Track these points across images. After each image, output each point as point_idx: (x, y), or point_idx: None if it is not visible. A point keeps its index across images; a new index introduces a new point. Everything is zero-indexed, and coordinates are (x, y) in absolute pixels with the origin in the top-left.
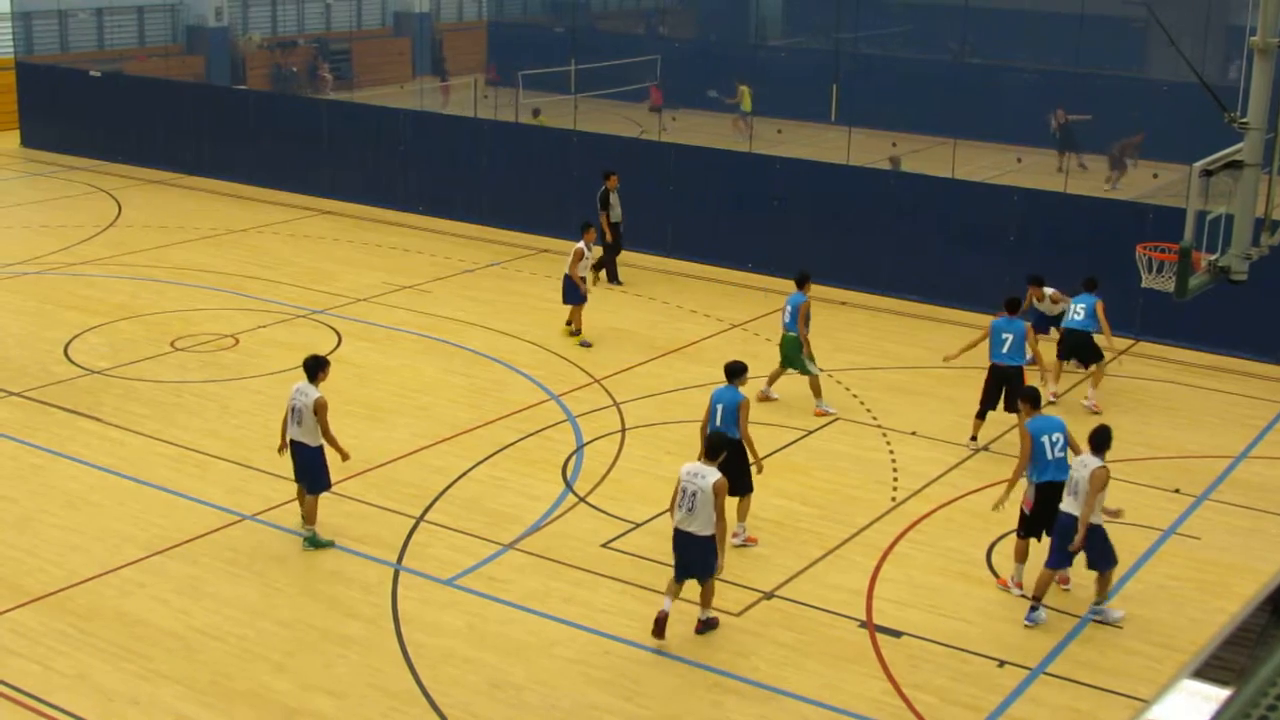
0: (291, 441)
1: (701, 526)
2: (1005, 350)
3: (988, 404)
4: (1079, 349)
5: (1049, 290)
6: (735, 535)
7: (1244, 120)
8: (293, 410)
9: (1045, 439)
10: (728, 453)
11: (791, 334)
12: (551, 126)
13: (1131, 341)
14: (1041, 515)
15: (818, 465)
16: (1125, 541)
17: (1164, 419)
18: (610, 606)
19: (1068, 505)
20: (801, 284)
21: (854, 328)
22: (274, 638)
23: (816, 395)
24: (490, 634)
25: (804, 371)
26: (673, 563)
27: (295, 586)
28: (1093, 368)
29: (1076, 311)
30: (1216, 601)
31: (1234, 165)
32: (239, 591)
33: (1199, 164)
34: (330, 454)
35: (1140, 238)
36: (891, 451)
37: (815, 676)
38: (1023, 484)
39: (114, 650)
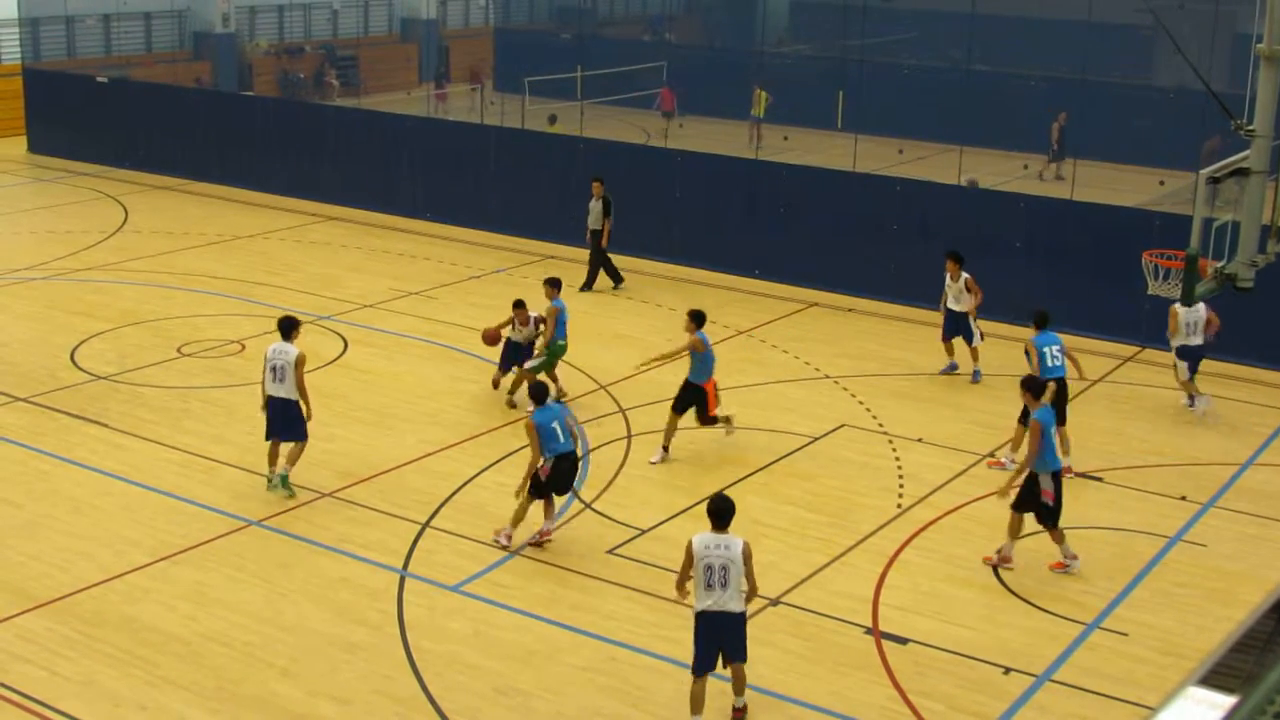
0: (271, 398)
1: (740, 602)
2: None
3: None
4: (1062, 401)
5: (966, 275)
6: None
7: (1251, 127)
8: (273, 369)
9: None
10: None
11: (561, 341)
12: (565, 134)
13: (1138, 348)
14: (1062, 503)
15: (824, 472)
16: (1132, 548)
17: (1170, 426)
18: (616, 613)
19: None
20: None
21: (860, 334)
22: (280, 643)
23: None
24: (496, 640)
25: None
26: (696, 653)
27: (301, 592)
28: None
29: (1055, 355)
30: (1223, 609)
31: (1241, 172)
32: (245, 597)
33: (1206, 171)
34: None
35: (1146, 245)
36: (898, 458)
37: (821, 683)
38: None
39: (120, 656)
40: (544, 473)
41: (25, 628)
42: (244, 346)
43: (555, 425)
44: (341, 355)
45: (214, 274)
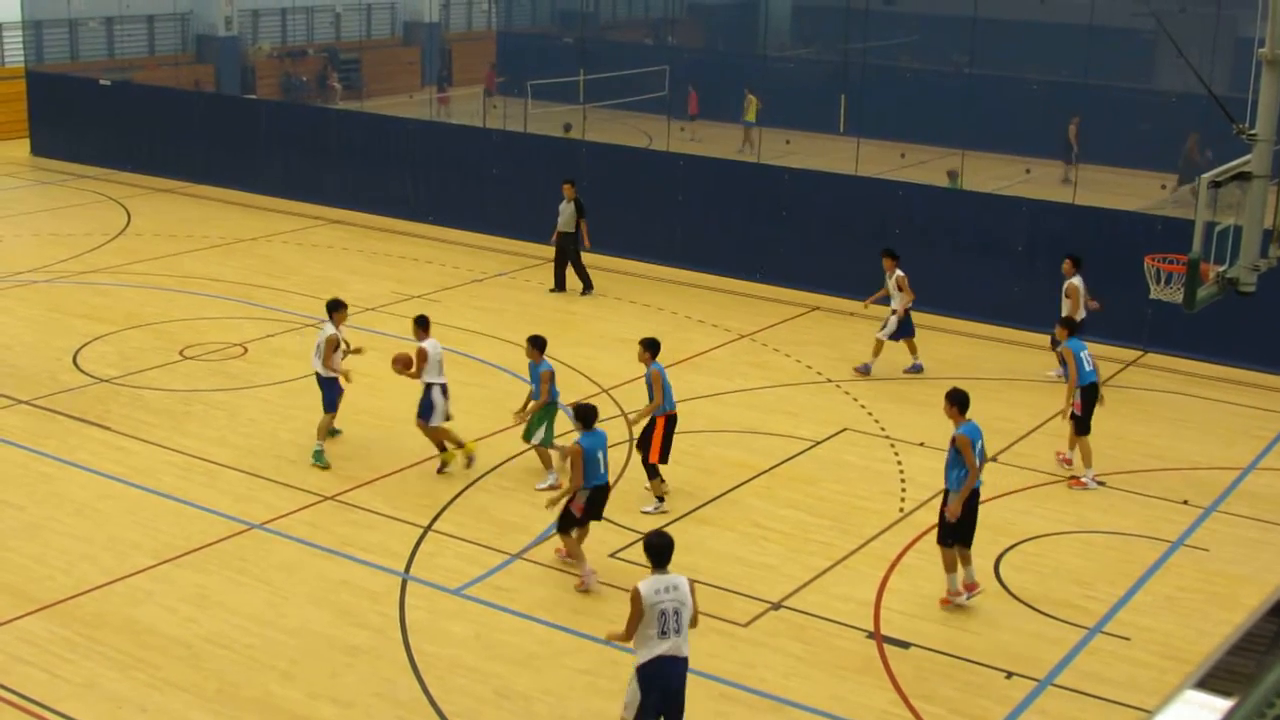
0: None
1: (688, 646)
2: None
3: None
4: (1091, 408)
5: (900, 273)
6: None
7: (1253, 132)
8: (316, 346)
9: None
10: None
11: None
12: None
13: (1140, 353)
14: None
15: (826, 476)
16: (1134, 552)
17: (1172, 430)
18: (618, 616)
19: None
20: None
21: (862, 339)
22: (281, 646)
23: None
24: (498, 644)
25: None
26: (646, 704)
27: (303, 595)
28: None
29: (1089, 360)
30: (1224, 613)
31: (1243, 176)
32: (246, 600)
33: (1208, 175)
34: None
35: (1148, 249)
36: (900, 462)
37: (822, 687)
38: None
39: (122, 658)
40: (578, 508)
41: (27, 630)
42: (246, 349)
43: (600, 454)
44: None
45: (216, 277)
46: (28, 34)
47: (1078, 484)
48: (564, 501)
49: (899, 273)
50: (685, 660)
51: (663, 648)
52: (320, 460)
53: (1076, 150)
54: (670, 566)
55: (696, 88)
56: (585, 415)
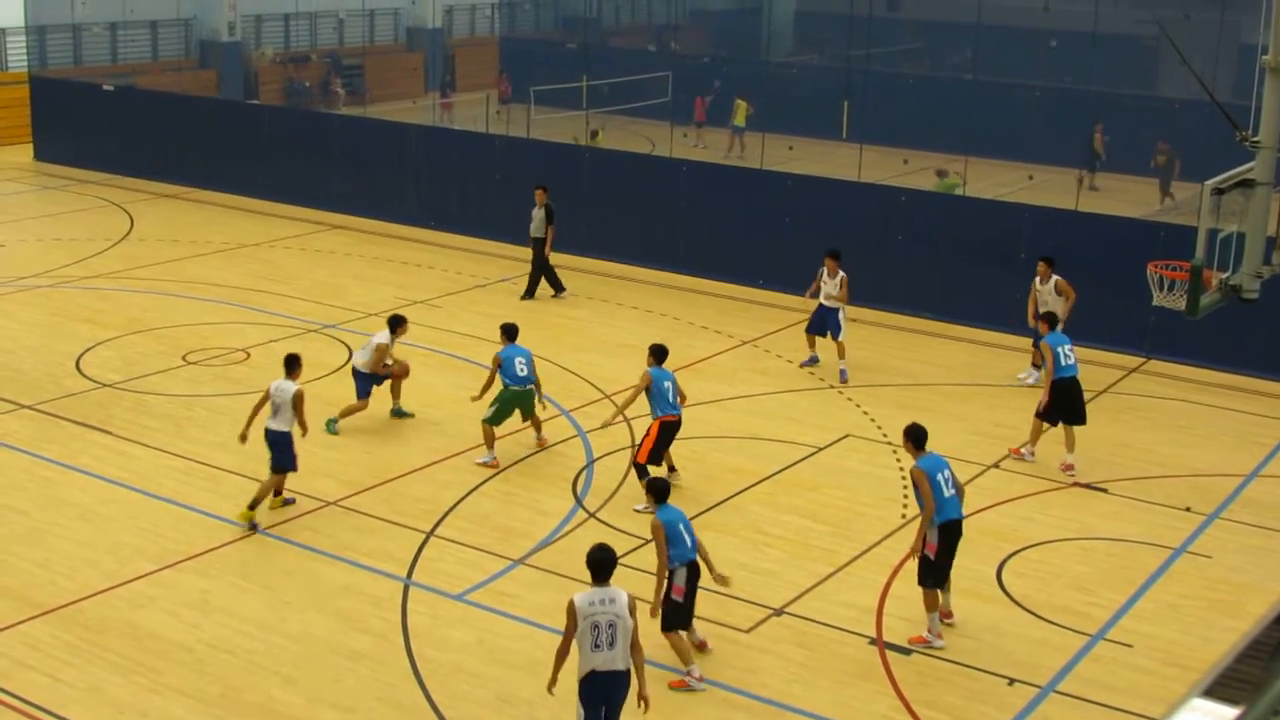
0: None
1: (625, 660)
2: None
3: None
4: (1077, 400)
5: (842, 274)
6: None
7: (1256, 139)
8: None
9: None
10: None
11: (530, 387)
12: (579, 144)
13: (1142, 359)
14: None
15: (828, 482)
16: (1136, 559)
17: (1175, 437)
18: None
19: None
20: (516, 336)
21: (864, 344)
22: (283, 651)
23: (490, 445)
24: (500, 649)
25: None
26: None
27: (305, 600)
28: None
29: (1068, 355)
30: (1228, 620)
31: (1246, 184)
32: (249, 605)
33: (1211, 182)
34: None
35: (1151, 256)
36: (902, 468)
37: (825, 694)
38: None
39: (124, 663)
40: (678, 592)
41: (30, 635)
42: (248, 355)
43: (682, 527)
44: (346, 364)
45: (219, 282)
46: (31, 39)
47: (1015, 452)
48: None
49: (842, 273)
50: (622, 674)
51: (595, 661)
52: (330, 428)
53: (1102, 158)
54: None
55: (704, 95)
56: (658, 491)
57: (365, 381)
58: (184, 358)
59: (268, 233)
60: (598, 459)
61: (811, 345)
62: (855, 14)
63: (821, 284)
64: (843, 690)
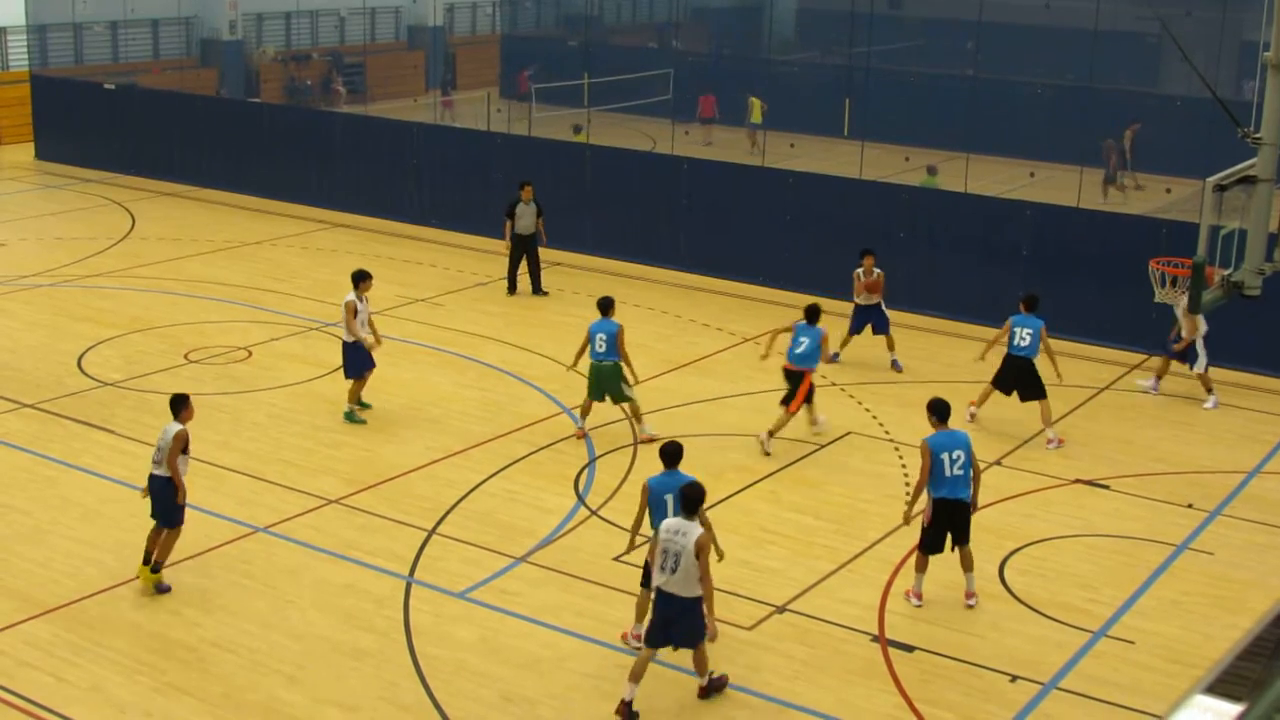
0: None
1: (686, 588)
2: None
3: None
4: (1023, 378)
5: (879, 271)
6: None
7: (1258, 135)
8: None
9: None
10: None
11: (608, 363)
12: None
13: (1144, 357)
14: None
15: (831, 479)
16: (1139, 556)
17: (1177, 434)
18: (623, 620)
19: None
20: (608, 310)
21: (866, 342)
22: (286, 650)
23: (638, 420)
24: (503, 647)
25: (622, 399)
26: (648, 623)
27: (307, 599)
28: (1035, 404)
29: (1023, 337)
30: (1230, 617)
31: (1247, 180)
32: (251, 604)
33: (1213, 179)
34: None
35: (1153, 253)
36: (904, 466)
37: (827, 691)
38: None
39: (127, 662)
40: (651, 555)
41: (32, 634)
42: (250, 353)
43: (669, 499)
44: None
45: (221, 280)
46: (32, 38)
47: (970, 410)
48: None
49: (878, 271)
50: (677, 598)
51: (658, 580)
52: (352, 418)
53: (1129, 158)
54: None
55: (712, 92)
56: (664, 455)
57: (353, 353)
58: (186, 356)
59: (269, 231)
60: (600, 456)
61: (843, 345)
62: (857, 11)
63: (861, 282)
64: (845, 688)
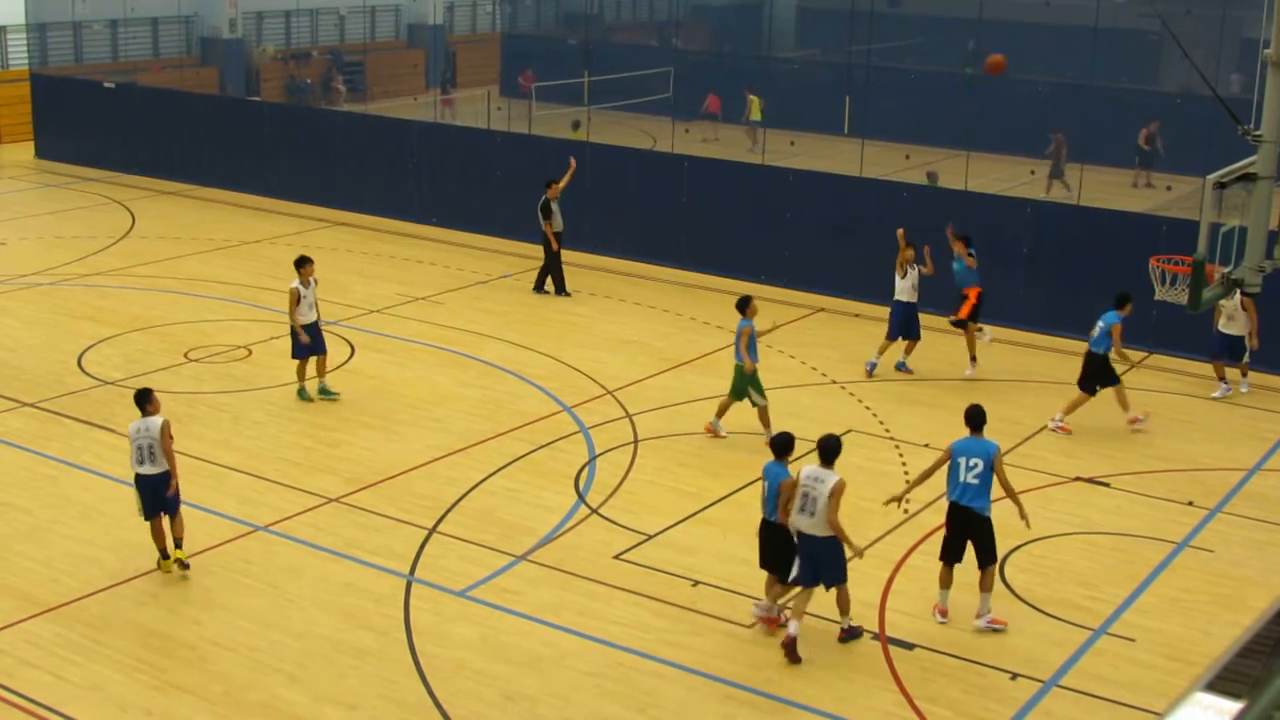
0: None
1: (823, 529)
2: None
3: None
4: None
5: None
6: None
7: (1258, 133)
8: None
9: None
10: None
11: (737, 363)
12: (574, 139)
13: (1145, 354)
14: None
15: None
16: (1139, 554)
17: (1177, 431)
18: (623, 618)
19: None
20: (745, 309)
21: (867, 340)
22: (286, 649)
23: (765, 426)
24: (503, 646)
25: (754, 402)
26: (798, 566)
27: (308, 598)
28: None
29: (1094, 330)
30: (1230, 615)
31: (1247, 178)
32: (251, 602)
33: (1213, 176)
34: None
35: (1153, 250)
36: (904, 464)
37: (828, 689)
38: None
39: (127, 661)
40: None
41: (32, 633)
42: (250, 352)
43: (765, 485)
44: (348, 361)
45: (221, 279)
46: (32, 37)
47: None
48: None
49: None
50: (816, 539)
51: (799, 523)
52: (303, 395)
53: (1150, 153)
54: (674, 567)
55: (712, 89)
56: (775, 445)
57: (297, 337)
58: (186, 355)
59: (269, 230)
60: (600, 455)
61: (883, 350)
62: (856, 9)
63: (910, 271)
64: (845, 685)
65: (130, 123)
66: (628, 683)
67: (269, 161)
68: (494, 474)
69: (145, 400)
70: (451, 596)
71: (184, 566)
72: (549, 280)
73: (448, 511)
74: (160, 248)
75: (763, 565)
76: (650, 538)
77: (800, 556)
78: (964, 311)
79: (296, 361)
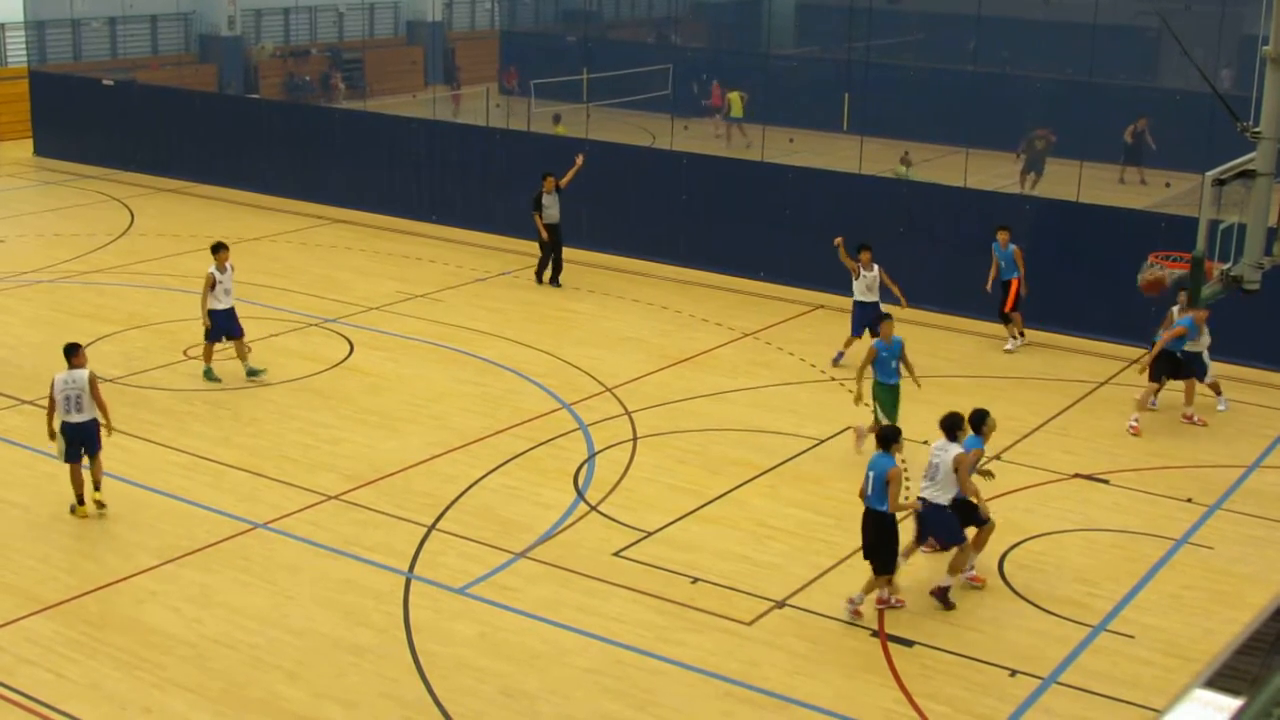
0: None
1: (941, 495)
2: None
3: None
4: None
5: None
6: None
7: (1257, 130)
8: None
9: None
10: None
11: (893, 383)
12: (570, 135)
13: (1144, 351)
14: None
15: (831, 474)
16: (1138, 551)
17: (1177, 428)
18: (622, 615)
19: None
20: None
21: (865, 338)
22: (286, 646)
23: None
24: (502, 643)
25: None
26: (915, 530)
27: (307, 595)
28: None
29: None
30: (1229, 611)
31: (1247, 174)
32: (251, 600)
33: (1212, 173)
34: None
35: (1152, 247)
36: (904, 461)
37: (828, 686)
38: None
39: (126, 658)
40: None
41: (32, 630)
42: (250, 349)
43: (872, 474)
44: (347, 358)
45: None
46: (30, 34)
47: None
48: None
49: (878, 266)
50: (932, 504)
51: (923, 489)
52: (209, 376)
53: (1140, 148)
54: (673, 564)
55: (721, 86)
56: (886, 437)
57: (214, 319)
58: (185, 353)
59: (268, 227)
60: (599, 452)
61: (848, 345)
62: (856, 6)
63: (864, 273)
64: (845, 682)
65: (129, 120)
66: (627, 680)
67: (268, 159)
68: (493, 471)
69: (72, 353)
70: (451, 594)
71: (101, 506)
72: (548, 269)
73: (447, 509)
74: (159, 245)
75: (866, 556)
76: (649, 535)
77: (916, 523)
78: (1009, 305)
79: (205, 344)
